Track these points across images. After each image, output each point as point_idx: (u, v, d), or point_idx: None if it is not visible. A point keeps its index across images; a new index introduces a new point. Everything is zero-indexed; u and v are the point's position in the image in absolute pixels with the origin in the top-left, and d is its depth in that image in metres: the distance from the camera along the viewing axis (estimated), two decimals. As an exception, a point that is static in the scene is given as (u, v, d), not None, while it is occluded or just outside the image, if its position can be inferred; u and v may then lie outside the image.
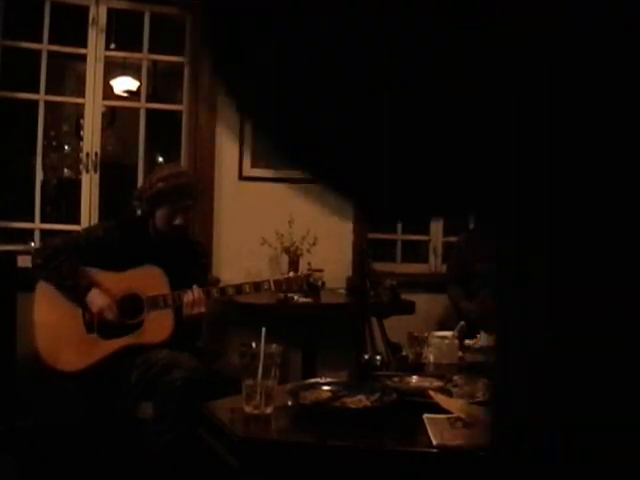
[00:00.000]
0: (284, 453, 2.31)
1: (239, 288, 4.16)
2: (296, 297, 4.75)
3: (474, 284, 5.35)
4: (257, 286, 4.21)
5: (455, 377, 2.90)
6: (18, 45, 5.28)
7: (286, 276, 4.51)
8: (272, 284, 4.23)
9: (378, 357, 3.24)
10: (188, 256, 4.19)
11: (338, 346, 5.17)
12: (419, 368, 3.28)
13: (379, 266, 5.80)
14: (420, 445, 2.21)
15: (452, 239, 6.21)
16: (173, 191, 4.00)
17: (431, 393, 2.54)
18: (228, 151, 5.51)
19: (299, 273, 4.78)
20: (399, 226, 6.37)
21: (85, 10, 5.31)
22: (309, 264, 5.26)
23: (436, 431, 2.26)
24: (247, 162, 5.55)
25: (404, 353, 3.56)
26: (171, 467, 3.59)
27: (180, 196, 4.02)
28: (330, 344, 5.18)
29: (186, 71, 5.66)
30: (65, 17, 5.25)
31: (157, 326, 3.93)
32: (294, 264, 5.37)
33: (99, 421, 4.06)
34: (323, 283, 4.84)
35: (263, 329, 2.45)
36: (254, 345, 2.48)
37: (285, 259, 5.42)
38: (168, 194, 4.00)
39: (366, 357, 3.23)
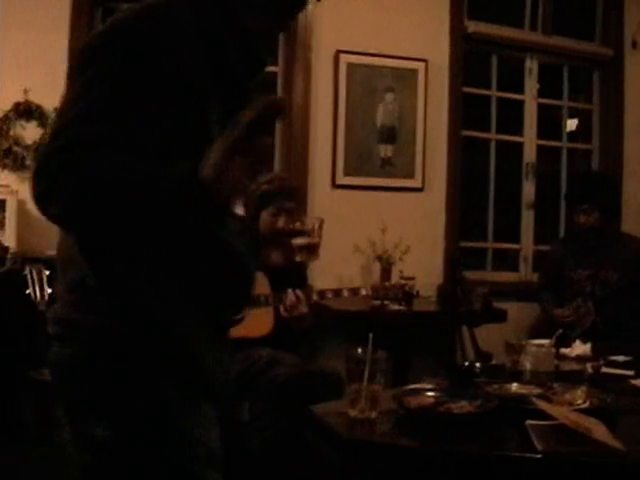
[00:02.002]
0: (388, 456, 2.36)
1: (338, 292, 4.24)
2: (390, 304, 4.80)
3: (566, 291, 5.34)
4: (355, 291, 4.29)
5: (555, 385, 2.92)
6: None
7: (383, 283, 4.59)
8: (369, 290, 4.30)
9: (477, 364, 3.27)
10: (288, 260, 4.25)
11: (429, 354, 5.20)
12: (516, 376, 3.30)
13: (470, 274, 5.81)
14: (525, 451, 2.25)
15: (542, 247, 6.21)
16: (278, 193, 4.11)
17: (534, 400, 2.56)
18: (321, 160, 5.58)
19: (394, 282, 4.83)
20: (490, 235, 6.39)
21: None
22: (401, 272, 5.30)
23: (540, 437, 2.29)
24: (340, 170, 5.63)
25: (494, 362, 3.58)
26: (271, 463, 3.65)
27: (285, 198, 4.12)
28: (421, 352, 5.21)
29: (280, 80, 5.76)
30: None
31: (258, 322, 4.00)
32: (386, 272, 5.42)
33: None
34: (417, 292, 4.90)
35: (370, 335, 2.49)
36: (360, 350, 2.52)
37: (377, 267, 5.48)
38: (273, 196, 4.10)
39: (466, 364, 3.26)
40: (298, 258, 3.61)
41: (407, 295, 4.77)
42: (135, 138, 1.62)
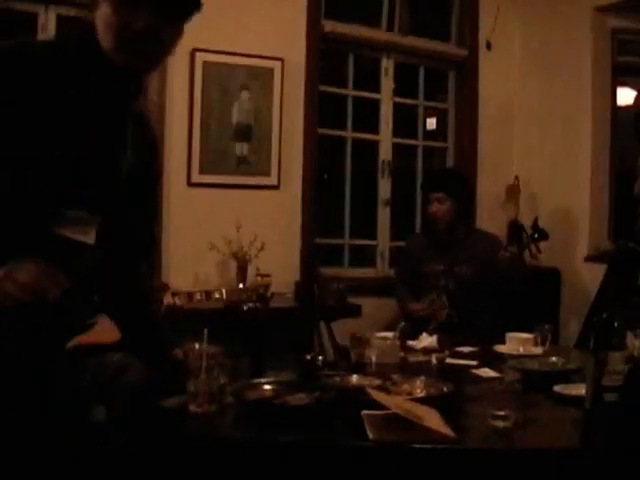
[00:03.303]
0: (225, 449, 2.38)
1: (190, 295, 4.22)
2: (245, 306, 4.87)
3: (422, 285, 5.42)
4: (209, 294, 4.28)
5: (394, 376, 2.99)
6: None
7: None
8: (224, 293, 4.31)
9: (320, 357, 3.31)
10: None
11: (287, 349, 5.21)
12: (361, 368, 3.36)
13: (326, 271, 5.89)
14: (356, 440, 2.29)
15: (398, 243, 6.32)
16: None
17: (369, 390, 2.61)
18: (176, 158, 5.55)
19: (249, 284, 4.91)
20: (347, 231, 6.47)
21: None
22: (257, 269, 5.32)
23: (373, 426, 2.34)
24: (195, 169, 5.61)
25: (351, 356, 3.63)
26: (126, 467, 3.62)
27: None
28: (279, 348, 5.23)
29: (135, 79, 5.71)
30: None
31: (110, 327, 3.95)
32: (242, 269, 5.43)
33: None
34: (272, 294, 4.97)
35: (205, 330, 2.51)
36: (197, 346, 2.54)
37: (233, 264, 5.48)
38: None
39: (308, 357, 3.31)
40: None
41: (261, 297, 4.85)
42: None
